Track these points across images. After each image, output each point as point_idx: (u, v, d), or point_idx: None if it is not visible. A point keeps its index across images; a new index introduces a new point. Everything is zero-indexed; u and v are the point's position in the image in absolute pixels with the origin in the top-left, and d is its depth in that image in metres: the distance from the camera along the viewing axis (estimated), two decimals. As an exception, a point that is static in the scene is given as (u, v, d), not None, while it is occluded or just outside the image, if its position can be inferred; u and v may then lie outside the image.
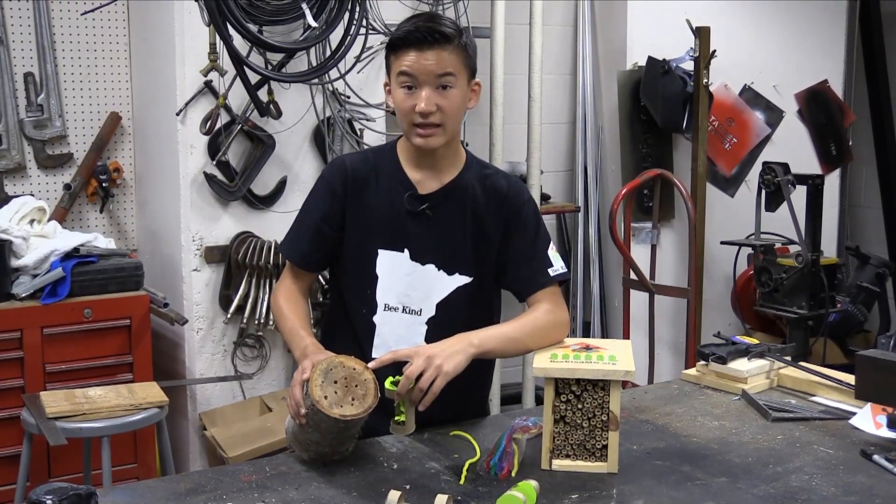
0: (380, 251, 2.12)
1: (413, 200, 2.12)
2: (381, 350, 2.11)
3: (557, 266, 2.16)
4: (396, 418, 1.89)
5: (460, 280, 2.13)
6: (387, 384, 1.88)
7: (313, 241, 2.17)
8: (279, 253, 3.57)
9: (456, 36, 2.02)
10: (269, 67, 3.55)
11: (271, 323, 3.67)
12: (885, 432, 2.05)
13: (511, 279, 2.17)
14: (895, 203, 5.15)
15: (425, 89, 2.01)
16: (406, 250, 2.12)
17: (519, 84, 4.33)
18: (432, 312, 2.12)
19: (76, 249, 3.51)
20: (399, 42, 2.02)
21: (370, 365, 1.88)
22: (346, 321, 2.18)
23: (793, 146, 4.87)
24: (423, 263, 2.12)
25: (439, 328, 2.10)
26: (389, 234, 2.12)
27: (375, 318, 2.13)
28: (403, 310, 2.12)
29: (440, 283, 2.12)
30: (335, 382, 1.78)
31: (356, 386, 1.79)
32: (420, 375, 1.85)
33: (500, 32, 4.03)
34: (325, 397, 1.76)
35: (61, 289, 3.42)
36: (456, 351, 1.92)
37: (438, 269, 2.12)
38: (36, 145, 3.89)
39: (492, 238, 2.14)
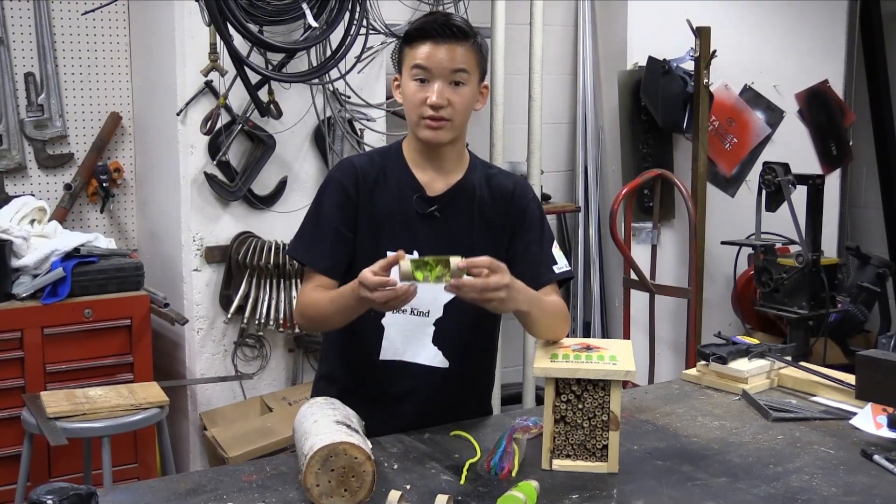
0: (389, 253, 2.11)
1: (422, 202, 2.12)
2: (389, 352, 2.12)
3: (562, 264, 2.16)
4: (416, 272, 1.82)
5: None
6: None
7: (335, 247, 2.11)
8: (285, 255, 3.57)
9: (472, 35, 2.05)
10: (270, 67, 3.55)
11: (271, 323, 3.68)
12: (886, 432, 2.05)
13: (517, 277, 2.16)
14: (895, 203, 5.15)
15: (438, 82, 2.01)
16: (415, 252, 2.11)
17: (519, 84, 4.32)
18: (440, 313, 2.12)
19: (76, 249, 3.51)
20: (415, 34, 2.03)
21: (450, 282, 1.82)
22: (353, 323, 2.17)
23: (793, 146, 4.86)
24: None
25: (447, 329, 2.12)
26: (399, 236, 2.10)
27: (384, 321, 2.12)
28: (411, 311, 2.11)
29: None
30: (332, 471, 1.71)
31: (353, 477, 1.72)
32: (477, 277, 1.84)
33: (500, 32, 4.03)
34: (318, 485, 1.71)
35: (62, 289, 3.42)
36: (518, 300, 1.91)
37: None
38: (36, 145, 3.89)
39: (499, 238, 2.14)
